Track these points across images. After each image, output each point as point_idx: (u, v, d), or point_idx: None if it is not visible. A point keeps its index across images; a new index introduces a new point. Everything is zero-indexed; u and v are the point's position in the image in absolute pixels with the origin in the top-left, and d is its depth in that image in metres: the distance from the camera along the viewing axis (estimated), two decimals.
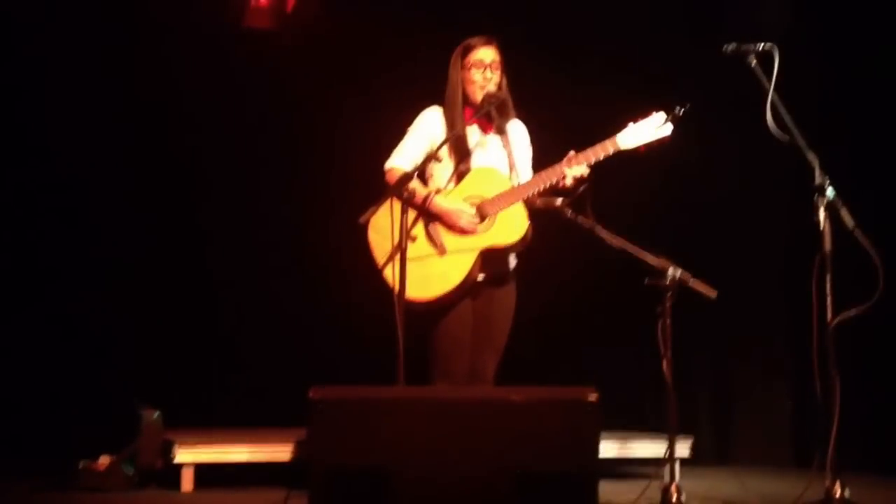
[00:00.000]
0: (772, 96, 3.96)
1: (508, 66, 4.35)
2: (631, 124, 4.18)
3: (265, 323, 6.12)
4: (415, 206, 4.07)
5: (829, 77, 6.30)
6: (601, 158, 4.15)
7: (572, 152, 4.15)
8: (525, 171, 4.34)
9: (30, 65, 5.68)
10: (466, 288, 4.18)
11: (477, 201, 4.18)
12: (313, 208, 6.04)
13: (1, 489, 4.86)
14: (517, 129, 4.43)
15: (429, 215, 4.18)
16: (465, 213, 4.15)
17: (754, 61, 4.04)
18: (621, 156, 4.18)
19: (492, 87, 4.26)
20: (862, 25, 6.17)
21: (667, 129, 4.17)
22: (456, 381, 4.15)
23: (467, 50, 4.31)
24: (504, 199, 4.15)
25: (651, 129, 4.16)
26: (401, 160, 4.27)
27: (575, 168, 4.11)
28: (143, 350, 5.77)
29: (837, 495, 3.77)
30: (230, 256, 6.11)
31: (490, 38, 4.32)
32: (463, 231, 4.15)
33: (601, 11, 6.38)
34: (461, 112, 4.29)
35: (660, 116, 4.16)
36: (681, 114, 4.16)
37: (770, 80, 3.97)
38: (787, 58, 4.01)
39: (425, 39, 5.76)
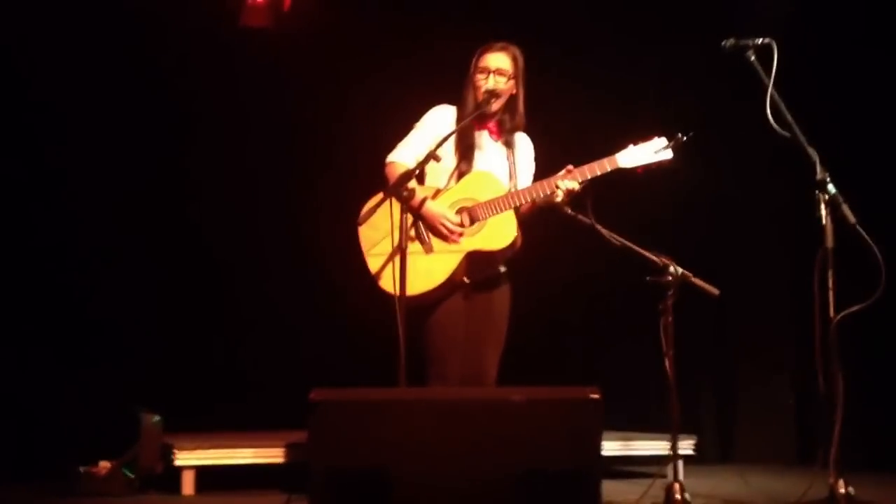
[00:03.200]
0: (771, 92, 3.95)
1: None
2: (631, 146, 4.21)
3: (265, 325, 6.11)
4: (409, 207, 4.05)
5: (830, 72, 6.28)
6: (598, 175, 4.17)
7: (570, 166, 4.16)
8: (525, 185, 4.34)
9: (27, 62, 5.66)
10: (450, 288, 4.18)
11: (469, 204, 4.19)
12: (313, 208, 6.02)
13: (2, 494, 4.85)
14: (523, 143, 4.44)
15: (418, 215, 4.18)
16: (446, 220, 4.14)
17: (753, 56, 4.03)
18: (619, 174, 4.19)
19: (490, 87, 4.24)
20: (862, 21, 6.16)
21: (667, 154, 4.18)
22: (450, 383, 4.14)
23: (481, 53, 4.34)
24: (495, 204, 4.16)
25: (651, 152, 4.20)
26: (403, 154, 4.27)
27: (568, 182, 4.13)
28: (142, 354, 5.75)
29: (841, 493, 3.76)
30: (229, 258, 6.09)
31: (507, 44, 4.34)
32: (442, 237, 4.14)
33: (605, 18, 6.37)
34: (470, 114, 4.29)
35: (661, 141, 4.20)
36: (683, 140, 4.16)
37: (769, 76, 3.96)
38: (786, 53, 4.00)
39: (423, 37, 5.75)
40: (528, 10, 6.16)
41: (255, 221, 6.17)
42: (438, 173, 4.27)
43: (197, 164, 6.06)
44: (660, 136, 4.21)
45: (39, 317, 5.67)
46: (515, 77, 4.31)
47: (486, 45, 4.35)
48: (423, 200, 4.17)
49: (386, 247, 4.11)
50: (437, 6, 6.08)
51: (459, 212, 4.19)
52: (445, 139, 4.14)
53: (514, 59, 4.31)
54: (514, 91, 4.33)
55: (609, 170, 4.17)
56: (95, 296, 5.76)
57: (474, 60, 4.34)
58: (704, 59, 5.48)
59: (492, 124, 4.35)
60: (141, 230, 5.90)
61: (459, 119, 4.30)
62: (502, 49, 4.32)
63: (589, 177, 4.15)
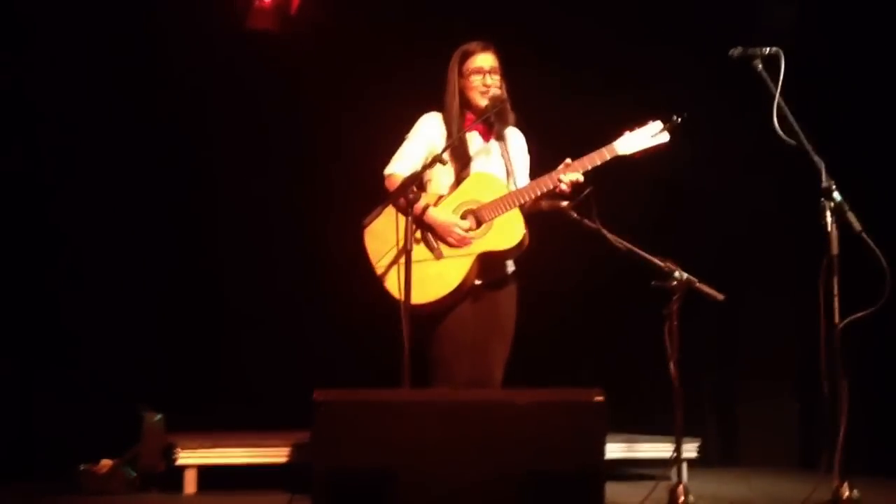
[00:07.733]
0: (778, 100, 3.94)
1: (508, 72, 4.33)
2: (627, 133, 4.20)
3: (268, 325, 6.11)
4: (415, 216, 4.05)
5: (836, 80, 6.27)
6: (598, 165, 4.15)
7: (568, 160, 4.15)
8: (522, 179, 4.34)
9: (32, 65, 5.66)
10: (463, 292, 4.17)
11: (473, 206, 4.18)
12: (317, 210, 6.02)
13: (3, 492, 4.85)
14: (515, 137, 4.42)
15: (424, 225, 4.17)
16: (456, 227, 4.13)
17: (760, 65, 4.03)
18: (618, 162, 4.18)
19: (496, 91, 4.25)
20: (866, 28, 6.15)
21: (663, 137, 4.18)
22: (457, 385, 4.13)
23: (465, 56, 4.31)
24: (500, 204, 4.14)
25: (647, 137, 4.19)
26: (400, 166, 4.25)
27: (570, 174, 4.12)
28: (145, 353, 5.75)
29: (845, 496, 3.75)
30: (233, 258, 6.10)
31: (487, 43, 4.32)
32: (453, 245, 4.14)
33: (603, 16, 6.36)
34: (460, 118, 4.28)
35: (656, 125, 4.19)
36: (678, 122, 4.16)
37: (776, 85, 3.96)
38: (792, 61, 3.98)
39: (429, 42, 5.72)
40: (530, 10, 6.17)
41: (259, 220, 6.17)
42: (438, 179, 4.27)
43: (202, 165, 6.06)
44: (654, 120, 4.21)
45: (42, 314, 5.68)
46: (502, 73, 4.31)
47: (465, 46, 4.32)
48: (428, 208, 4.15)
49: (394, 256, 4.09)
50: (442, 9, 6.09)
51: (465, 214, 4.18)
52: (450, 145, 4.14)
53: (497, 54, 4.31)
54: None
55: (608, 158, 4.15)
56: (99, 294, 5.77)
57: (457, 63, 4.31)
58: (709, 64, 5.49)
59: (480, 124, 4.33)
60: (145, 229, 5.91)
61: (447, 124, 4.29)
62: (486, 48, 4.30)
63: (589, 167, 4.13)
